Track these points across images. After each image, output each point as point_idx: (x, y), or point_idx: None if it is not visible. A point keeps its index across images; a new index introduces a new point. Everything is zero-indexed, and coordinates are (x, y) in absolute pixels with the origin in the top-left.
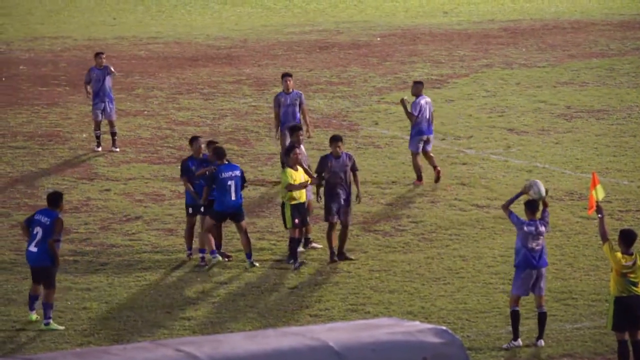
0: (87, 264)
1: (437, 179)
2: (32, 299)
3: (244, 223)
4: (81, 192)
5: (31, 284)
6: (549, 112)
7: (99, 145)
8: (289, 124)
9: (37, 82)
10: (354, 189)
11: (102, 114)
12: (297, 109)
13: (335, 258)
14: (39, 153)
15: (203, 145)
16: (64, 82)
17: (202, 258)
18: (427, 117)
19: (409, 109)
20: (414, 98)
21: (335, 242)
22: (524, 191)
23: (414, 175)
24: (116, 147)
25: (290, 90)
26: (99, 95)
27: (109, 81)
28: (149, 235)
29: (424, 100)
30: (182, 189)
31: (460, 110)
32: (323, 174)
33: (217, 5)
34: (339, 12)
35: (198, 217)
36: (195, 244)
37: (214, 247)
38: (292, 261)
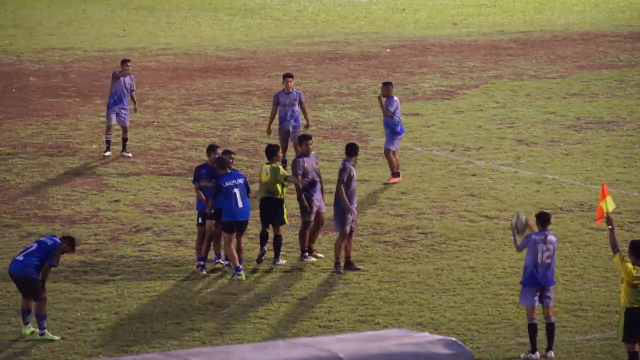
0: (97, 275)
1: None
2: (25, 313)
3: (243, 235)
4: (91, 203)
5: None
6: (558, 123)
7: (108, 149)
8: (287, 124)
9: (47, 94)
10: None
11: (116, 118)
12: (296, 108)
13: (341, 270)
14: (48, 164)
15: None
16: (74, 93)
17: (202, 266)
18: (399, 116)
19: (384, 105)
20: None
21: (342, 253)
22: (514, 228)
23: (424, 186)
24: (127, 152)
25: (291, 90)
26: (118, 101)
27: (128, 89)
28: (158, 246)
29: (397, 100)
30: (192, 199)
31: (470, 122)
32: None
33: (227, 17)
34: (348, 23)
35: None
36: (210, 254)
37: (238, 264)
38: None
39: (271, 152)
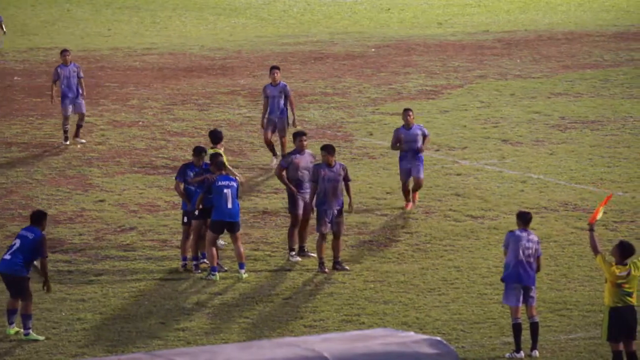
0: (82, 275)
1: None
2: (10, 312)
3: (238, 234)
4: (75, 202)
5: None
6: (543, 122)
7: (66, 139)
8: (273, 115)
9: (32, 93)
10: (346, 198)
11: (72, 108)
12: (282, 100)
13: (326, 269)
14: (33, 164)
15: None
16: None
17: (196, 265)
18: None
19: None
20: None
21: (324, 253)
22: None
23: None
24: (81, 139)
25: (277, 82)
26: (69, 90)
27: (75, 77)
28: (143, 246)
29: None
30: (176, 199)
31: (455, 121)
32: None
33: (212, 17)
34: (333, 23)
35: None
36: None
37: (215, 264)
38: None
39: (214, 136)
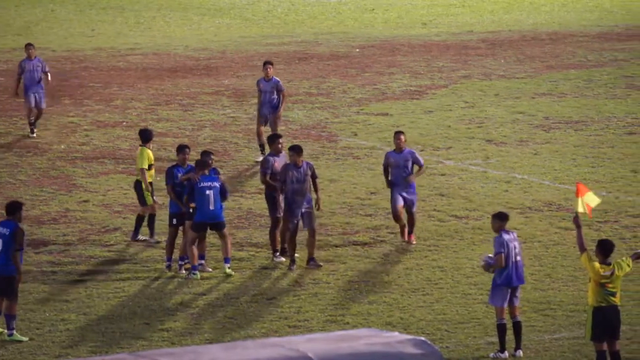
0: (66, 276)
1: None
2: None
3: (225, 231)
4: (59, 203)
5: None
6: (527, 123)
7: (32, 132)
8: (265, 109)
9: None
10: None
11: (34, 100)
12: (274, 96)
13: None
14: (17, 164)
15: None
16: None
17: (180, 266)
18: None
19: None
20: None
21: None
22: (487, 269)
23: None
24: (33, 134)
25: (270, 77)
26: (32, 84)
27: (39, 70)
28: (127, 247)
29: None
30: (161, 200)
31: (439, 121)
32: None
33: (196, 17)
34: (317, 23)
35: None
36: (176, 254)
37: (196, 263)
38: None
39: (144, 135)
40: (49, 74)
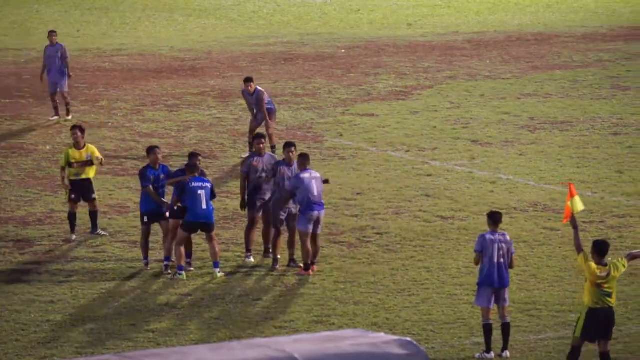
0: (51, 276)
1: None
2: None
3: (213, 234)
4: (45, 204)
5: None
6: (513, 123)
7: (56, 114)
8: (254, 117)
9: (1, 95)
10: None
11: (56, 87)
12: (259, 107)
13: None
14: (2, 165)
15: (160, 155)
16: (27, 94)
17: (166, 266)
18: None
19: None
20: None
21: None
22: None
23: (379, 187)
24: (69, 116)
25: (252, 92)
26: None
27: (58, 58)
28: (113, 247)
29: None
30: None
31: (425, 122)
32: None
33: (182, 18)
34: (303, 24)
35: (159, 225)
36: (159, 254)
37: (183, 263)
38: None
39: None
40: (67, 60)
